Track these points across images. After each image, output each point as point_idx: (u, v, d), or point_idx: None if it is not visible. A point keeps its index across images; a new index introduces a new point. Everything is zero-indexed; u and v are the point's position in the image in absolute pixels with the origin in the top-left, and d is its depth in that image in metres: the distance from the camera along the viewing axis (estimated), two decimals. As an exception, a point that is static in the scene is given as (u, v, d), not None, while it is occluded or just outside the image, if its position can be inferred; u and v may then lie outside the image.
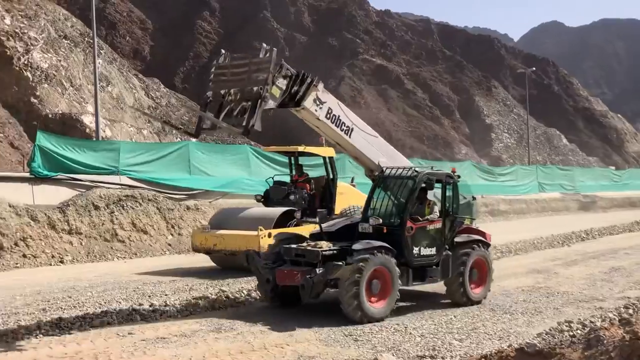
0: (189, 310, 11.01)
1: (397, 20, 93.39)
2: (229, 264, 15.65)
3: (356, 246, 10.25)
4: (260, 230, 14.49)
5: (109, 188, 20.39)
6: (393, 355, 8.13)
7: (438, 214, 11.52)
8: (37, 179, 18.95)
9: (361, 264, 10.01)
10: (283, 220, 15.16)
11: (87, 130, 33.67)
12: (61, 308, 11.20)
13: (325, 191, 16.72)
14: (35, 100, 33.93)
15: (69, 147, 20.50)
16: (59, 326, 9.65)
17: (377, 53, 78.77)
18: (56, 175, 19.42)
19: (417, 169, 11.72)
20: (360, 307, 9.99)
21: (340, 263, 9.99)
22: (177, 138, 42.95)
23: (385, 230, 10.84)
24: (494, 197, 37.96)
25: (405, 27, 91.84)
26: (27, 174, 19.28)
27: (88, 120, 34.59)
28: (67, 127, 33.12)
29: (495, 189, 39.38)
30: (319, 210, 16.03)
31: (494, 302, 12.09)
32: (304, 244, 10.94)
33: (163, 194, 21.76)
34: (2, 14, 36.50)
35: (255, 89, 9.98)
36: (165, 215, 20.84)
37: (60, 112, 34.44)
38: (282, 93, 10.24)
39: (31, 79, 34.26)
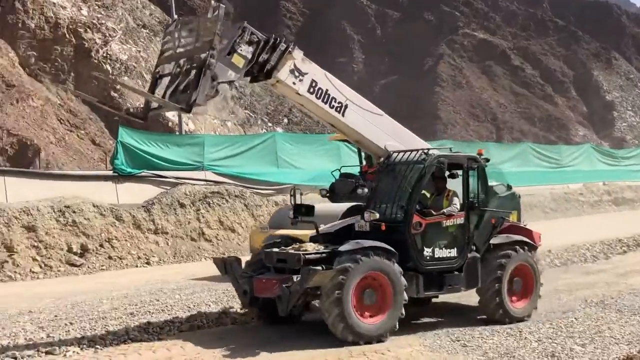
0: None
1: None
2: None
3: (343, 247, 9.16)
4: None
5: (194, 184, 20.95)
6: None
7: (458, 207, 10.09)
8: (120, 177, 19.69)
9: (346, 267, 8.86)
10: (349, 216, 14.87)
11: (170, 124, 34.73)
12: (149, 312, 11.61)
13: None
14: (116, 94, 35.24)
15: (151, 143, 21.18)
16: (147, 331, 10.02)
17: (479, 26, 77.19)
18: (140, 173, 20.11)
19: (427, 151, 10.27)
20: (345, 323, 8.84)
21: (318, 268, 8.90)
22: (262, 129, 43.74)
23: (383, 227, 9.60)
24: (617, 184, 36.74)
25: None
26: (110, 172, 20.08)
27: (170, 113, 35.65)
28: (149, 121, 34.17)
29: (618, 174, 38.11)
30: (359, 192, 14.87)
31: (620, 302, 11.65)
32: (290, 247, 9.93)
33: (250, 189, 22.14)
34: (79, 4, 38.12)
35: (203, 56, 9.03)
36: (253, 212, 21.24)
37: (141, 105, 35.45)
38: (247, 62, 9.33)
39: (110, 72, 35.63)
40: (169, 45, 9.70)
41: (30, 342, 9.53)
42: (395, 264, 9.24)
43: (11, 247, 15.99)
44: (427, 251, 9.72)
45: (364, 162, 16.89)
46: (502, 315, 10.23)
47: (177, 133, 28.77)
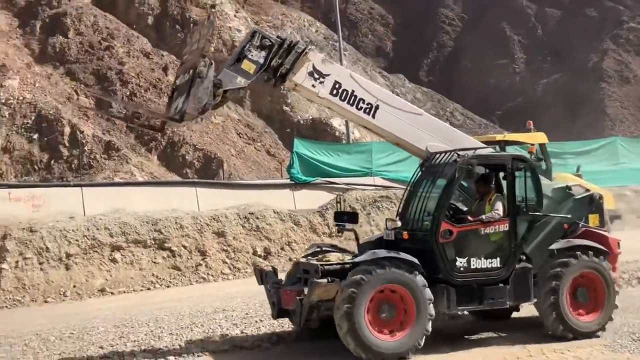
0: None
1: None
2: None
3: (359, 258, 8.42)
4: None
5: (364, 190, 21.34)
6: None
7: (500, 213, 8.86)
8: (296, 184, 20.48)
9: (358, 280, 8.04)
10: None
11: (337, 133, 35.44)
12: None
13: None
14: (287, 108, 36.51)
15: (323, 152, 21.87)
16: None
17: (646, 19, 72.51)
18: (314, 180, 20.80)
19: (461, 152, 9.07)
20: (357, 339, 8.02)
21: (322, 281, 8.17)
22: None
23: (406, 236, 8.78)
24: None
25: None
26: (288, 180, 20.93)
27: (337, 123, 36.40)
28: (318, 131, 35.18)
29: None
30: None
31: None
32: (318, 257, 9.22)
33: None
34: (251, 26, 39.86)
35: (196, 64, 8.54)
36: (422, 214, 21.25)
37: (310, 117, 36.66)
38: (259, 67, 8.79)
39: (282, 88, 36.93)
40: (185, 55, 9.55)
41: (227, 337, 10.16)
42: (418, 276, 8.27)
43: (204, 251, 17.11)
44: (460, 261, 8.61)
45: None
46: (565, 331, 8.96)
47: (345, 142, 29.37)
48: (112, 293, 15.61)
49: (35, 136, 26.57)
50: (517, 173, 8.96)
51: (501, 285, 8.77)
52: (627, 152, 28.15)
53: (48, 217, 16.52)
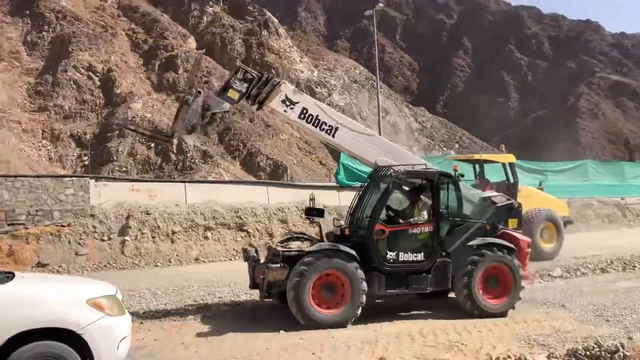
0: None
1: (633, 39, 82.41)
2: None
3: (310, 249, 8.15)
4: None
5: (391, 193, 21.14)
6: (645, 335, 7.28)
7: (426, 217, 8.49)
8: (341, 187, 20.41)
9: (309, 262, 7.84)
10: None
11: (373, 149, 35.33)
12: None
13: (506, 194, 14.71)
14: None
15: (362, 163, 21.74)
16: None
17: (614, 71, 70.44)
18: (354, 184, 20.69)
19: (395, 167, 8.71)
20: (302, 312, 7.83)
21: (275, 265, 7.99)
22: (439, 153, 43.11)
23: (347, 233, 8.46)
24: None
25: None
26: (334, 184, 20.89)
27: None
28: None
29: None
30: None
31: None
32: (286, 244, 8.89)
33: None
34: (312, 68, 40.05)
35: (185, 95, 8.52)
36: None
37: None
38: (241, 95, 8.63)
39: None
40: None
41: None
42: (354, 264, 7.93)
43: (272, 233, 17.19)
44: (390, 255, 8.22)
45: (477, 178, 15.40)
46: (472, 307, 8.48)
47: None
48: (203, 261, 15.81)
49: (152, 145, 27.16)
50: (441, 186, 8.49)
51: (424, 274, 8.42)
52: (595, 172, 27.56)
53: (160, 204, 16.86)
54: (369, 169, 21.41)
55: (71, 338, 5.05)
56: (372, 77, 44.96)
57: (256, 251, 8.97)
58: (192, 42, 37.66)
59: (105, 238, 15.43)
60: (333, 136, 8.93)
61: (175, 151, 26.87)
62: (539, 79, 68.13)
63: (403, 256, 8.31)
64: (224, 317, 8.91)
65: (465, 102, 63.59)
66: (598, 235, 20.92)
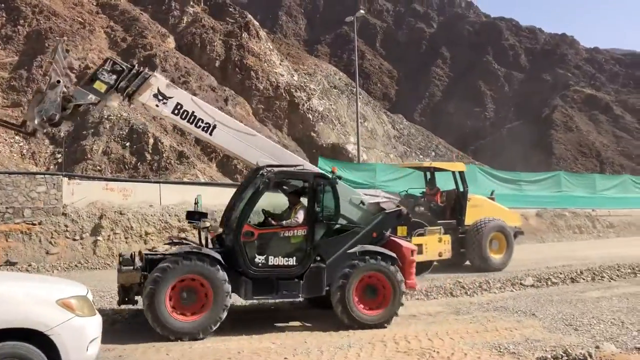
0: (433, 295, 11.00)
1: (606, 55, 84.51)
2: None
3: (170, 251, 7.76)
4: None
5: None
6: (612, 345, 7.41)
7: (300, 220, 8.03)
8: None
9: (156, 274, 7.26)
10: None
11: (350, 155, 35.47)
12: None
13: (455, 203, 14.39)
14: (314, 135, 36.61)
15: (339, 168, 21.77)
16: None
17: (587, 84, 72.08)
18: (331, 190, 20.71)
19: (270, 168, 8.21)
20: (157, 319, 7.25)
21: (128, 268, 7.53)
22: (416, 160, 43.47)
23: (212, 235, 8.17)
24: None
25: (614, 61, 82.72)
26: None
27: (350, 147, 36.44)
28: (336, 153, 35.22)
29: None
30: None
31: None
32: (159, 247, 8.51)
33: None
34: (292, 72, 40.04)
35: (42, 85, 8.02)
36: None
37: (331, 142, 36.72)
38: (109, 87, 8.13)
39: (311, 119, 37.06)
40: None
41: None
42: (218, 268, 7.40)
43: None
44: (259, 258, 7.76)
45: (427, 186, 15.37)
46: (345, 317, 8.05)
47: (355, 162, 29.39)
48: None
49: (128, 144, 26.85)
50: (319, 188, 7.96)
51: (296, 280, 7.91)
52: (568, 183, 28.11)
53: (134, 204, 16.65)
54: (347, 175, 21.76)
55: (39, 339, 4.95)
56: (351, 83, 45.17)
57: (132, 256, 8.02)
58: (171, 42, 37.36)
59: (77, 237, 15.18)
60: (211, 134, 8.46)
61: (150, 151, 26.59)
62: (515, 90, 69.31)
63: (273, 260, 7.82)
64: (242, 314, 8.88)
65: (442, 110, 64.36)
66: (569, 246, 21.31)
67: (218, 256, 7.52)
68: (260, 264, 7.78)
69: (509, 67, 72.85)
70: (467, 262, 14.33)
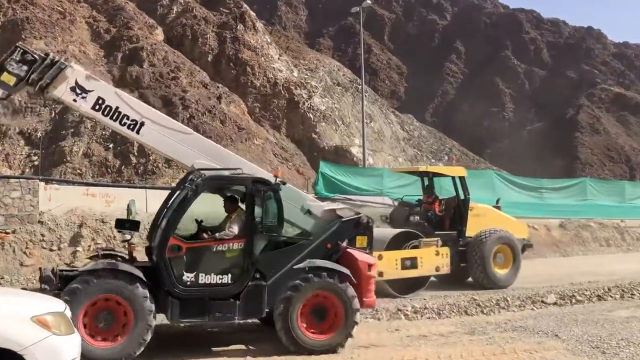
0: (445, 314, 10.93)
1: (636, 50, 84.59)
2: None
3: (83, 268, 7.30)
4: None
5: (374, 207, 21.24)
6: (642, 369, 7.37)
7: (235, 232, 7.62)
8: (319, 199, 20.36)
9: (73, 289, 6.88)
10: (397, 242, 12.49)
11: (354, 159, 35.55)
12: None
13: (455, 213, 14.00)
14: (315, 136, 36.70)
15: (343, 173, 21.89)
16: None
17: (615, 82, 72.12)
18: (334, 196, 20.75)
19: (200, 172, 7.87)
20: None
21: (45, 287, 7.08)
22: (428, 165, 43.55)
23: (132, 249, 7.78)
24: None
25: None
26: (312, 195, 20.86)
27: (355, 150, 36.52)
28: (339, 156, 35.30)
29: None
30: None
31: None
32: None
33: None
34: (292, 68, 40.15)
35: None
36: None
37: (334, 144, 36.82)
38: (19, 80, 7.78)
39: (312, 119, 37.15)
40: None
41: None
42: (139, 287, 6.99)
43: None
44: (188, 276, 7.30)
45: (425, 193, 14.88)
46: (298, 348, 7.60)
47: (361, 166, 29.44)
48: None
49: (111, 145, 26.91)
50: (258, 195, 7.62)
51: (231, 300, 7.45)
52: (594, 191, 28.03)
53: (117, 211, 16.60)
54: (352, 180, 21.82)
55: (11, 358, 4.94)
56: (356, 80, 45.30)
57: (52, 270, 7.48)
58: (159, 34, 37.51)
59: (55, 248, 15.18)
60: (138, 133, 8.08)
61: (136, 153, 26.65)
62: (537, 88, 69.36)
63: (204, 278, 7.36)
64: (174, 336, 8.82)
65: (456, 110, 64.42)
66: (595, 260, 21.26)
67: (138, 272, 7.11)
68: (189, 283, 7.32)
69: (530, 63, 72.95)
70: (470, 279, 14.07)
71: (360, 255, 8.12)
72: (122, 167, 26.27)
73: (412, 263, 12.07)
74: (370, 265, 8.12)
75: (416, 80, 68.78)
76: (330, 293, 7.70)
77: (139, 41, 34.22)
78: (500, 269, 13.85)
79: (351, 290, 7.78)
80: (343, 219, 8.36)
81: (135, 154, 26.75)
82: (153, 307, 7.08)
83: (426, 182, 15.05)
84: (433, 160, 46.23)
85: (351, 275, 7.84)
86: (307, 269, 7.70)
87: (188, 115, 30.48)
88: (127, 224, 7.94)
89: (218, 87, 34.74)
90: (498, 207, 15.30)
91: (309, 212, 8.41)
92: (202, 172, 7.87)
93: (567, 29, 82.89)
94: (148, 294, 7.05)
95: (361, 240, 8.38)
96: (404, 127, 48.67)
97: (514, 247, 14.04)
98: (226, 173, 8.00)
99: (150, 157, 26.54)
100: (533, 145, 54.40)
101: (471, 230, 13.82)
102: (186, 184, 7.83)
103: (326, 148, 36.13)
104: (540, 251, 22.54)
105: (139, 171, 26.32)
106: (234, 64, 37.03)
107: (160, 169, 26.54)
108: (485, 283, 13.53)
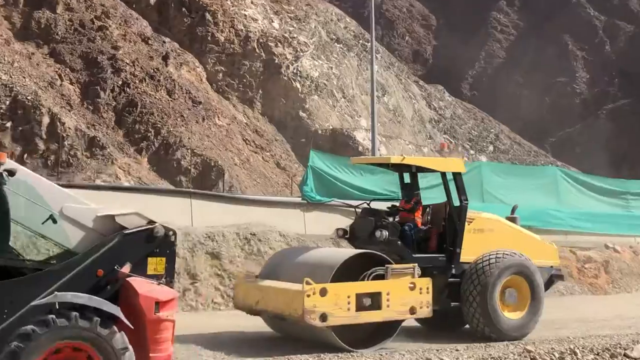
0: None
1: None
2: (284, 330, 12.76)
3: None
4: (307, 284, 10.91)
5: (387, 217, 21.22)
6: None
7: None
8: (309, 204, 20.38)
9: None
10: (353, 270, 11.70)
11: (360, 148, 35.52)
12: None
13: (446, 226, 13.29)
14: (304, 114, 36.64)
15: (343, 169, 21.68)
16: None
17: None
18: (330, 201, 20.63)
19: None
20: None
21: None
22: (463, 157, 43.53)
23: None
24: None
25: None
26: (298, 199, 20.89)
27: (361, 136, 36.53)
28: (338, 144, 35.26)
29: None
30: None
31: None
32: None
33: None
34: (271, 16, 40.10)
35: None
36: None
37: (330, 127, 36.80)
38: None
39: (300, 91, 37.08)
40: None
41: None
42: None
43: (195, 275, 17.10)
44: None
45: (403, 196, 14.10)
46: None
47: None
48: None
49: (9, 124, 26.79)
50: None
51: None
52: None
53: (16, 219, 16.59)
54: (355, 179, 21.65)
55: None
56: (364, 35, 45.26)
57: None
58: (80, -35, 37.40)
59: None
60: None
61: (45, 136, 26.56)
62: (621, 50, 69.40)
63: None
64: None
65: (506, 81, 64.36)
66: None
67: None
68: None
69: (612, 15, 73.11)
70: (467, 325, 13.63)
71: (143, 287, 7.52)
72: (25, 155, 26.17)
73: (374, 301, 11.31)
74: (159, 303, 7.46)
75: (449, 36, 68.78)
76: (86, 345, 7.06)
77: (51, -25, 34.07)
78: (510, 310, 13.22)
79: (121, 341, 7.18)
80: (126, 231, 7.90)
81: (44, 137, 26.69)
82: None
83: (406, 180, 14.09)
84: (472, 151, 46.27)
85: (123, 317, 7.28)
86: (49, 307, 7.05)
87: (120, 82, 30.38)
88: None
89: (164, 42, 34.66)
90: (513, 219, 14.69)
91: (54, 220, 7.81)
92: None
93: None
94: None
95: (155, 264, 7.93)
96: (432, 103, 48.73)
97: (533, 280, 13.22)
98: None
99: (66, 143, 26.49)
100: (616, 133, 54.53)
101: (469, 253, 13.10)
102: None
103: (320, 132, 36.13)
104: (623, 282, 22.64)
105: (49, 162, 26.23)
106: (187, 10, 36.96)
107: (80, 158, 26.47)
108: (487, 332, 12.73)
